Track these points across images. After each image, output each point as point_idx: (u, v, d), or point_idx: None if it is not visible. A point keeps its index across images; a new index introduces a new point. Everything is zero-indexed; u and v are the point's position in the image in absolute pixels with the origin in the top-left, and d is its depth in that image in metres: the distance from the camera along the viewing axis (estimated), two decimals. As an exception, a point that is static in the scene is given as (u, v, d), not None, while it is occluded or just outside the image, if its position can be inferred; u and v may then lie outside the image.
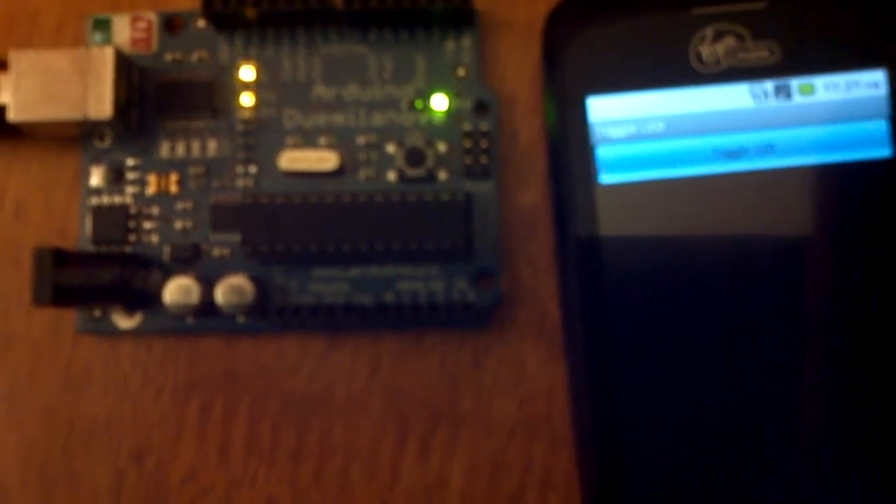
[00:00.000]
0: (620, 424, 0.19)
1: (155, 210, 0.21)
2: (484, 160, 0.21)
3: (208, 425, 0.21)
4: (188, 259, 0.21)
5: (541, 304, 0.21)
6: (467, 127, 0.21)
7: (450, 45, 0.21)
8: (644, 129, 0.20)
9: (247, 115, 0.21)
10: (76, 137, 0.22)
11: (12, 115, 0.20)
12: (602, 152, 0.20)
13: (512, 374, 0.21)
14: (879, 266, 0.19)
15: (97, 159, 0.22)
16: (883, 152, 0.19)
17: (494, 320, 0.21)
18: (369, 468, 0.21)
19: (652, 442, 0.19)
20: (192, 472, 0.21)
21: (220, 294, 0.20)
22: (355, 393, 0.21)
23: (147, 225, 0.21)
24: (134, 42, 0.22)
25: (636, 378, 0.19)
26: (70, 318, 0.21)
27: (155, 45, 0.22)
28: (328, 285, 0.21)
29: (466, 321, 0.21)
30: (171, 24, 0.22)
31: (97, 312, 0.21)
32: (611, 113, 0.20)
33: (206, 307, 0.20)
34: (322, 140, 0.21)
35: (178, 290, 0.20)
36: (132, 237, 0.21)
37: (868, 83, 0.19)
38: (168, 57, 0.22)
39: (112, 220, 0.21)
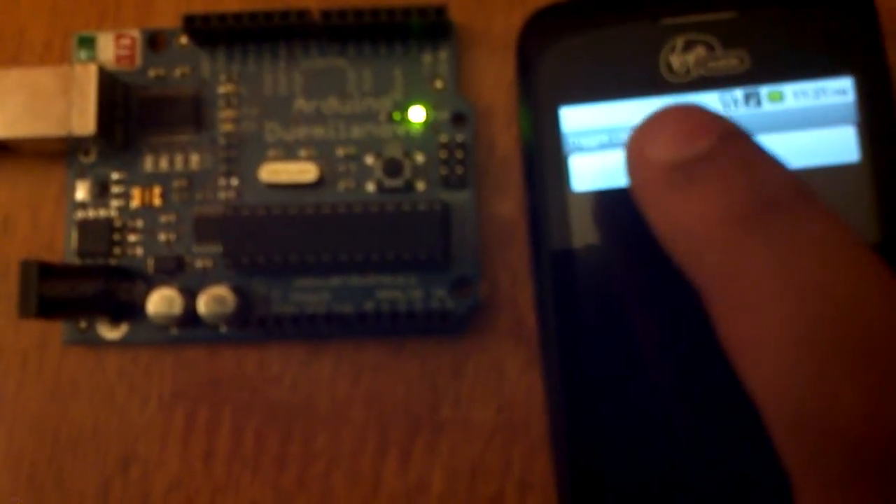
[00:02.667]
0: (594, 429, 0.20)
1: (139, 223, 0.22)
2: (460, 170, 0.21)
3: (193, 433, 0.22)
4: (172, 271, 0.21)
5: (519, 311, 0.21)
6: (444, 138, 0.21)
7: (427, 58, 0.22)
8: (616, 138, 0.20)
9: (228, 128, 0.22)
10: (62, 153, 0.22)
11: (-2, 132, 0.21)
12: (575, 161, 0.20)
13: (491, 381, 0.21)
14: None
15: (82, 174, 0.22)
16: (851, 157, 0.19)
17: (473, 327, 0.21)
18: (351, 474, 0.21)
19: (625, 445, 0.19)
20: (178, 480, 0.21)
21: (203, 304, 0.21)
22: (337, 400, 0.21)
23: (132, 238, 0.22)
24: (118, 59, 0.22)
25: (609, 382, 0.20)
26: (57, 329, 0.22)
27: (139, 61, 0.22)
28: (309, 295, 0.21)
29: (445, 329, 0.21)
30: (155, 41, 0.22)
31: (83, 324, 0.22)
32: (583, 123, 0.20)
33: (189, 317, 0.21)
34: (302, 152, 0.22)
35: (161, 300, 0.21)
36: (117, 250, 0.22)
37: (836, 90, 0.20)
38: (151, 73, 0.22)
39: (97, 234, 0.22)
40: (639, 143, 0.16)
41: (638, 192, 0.16)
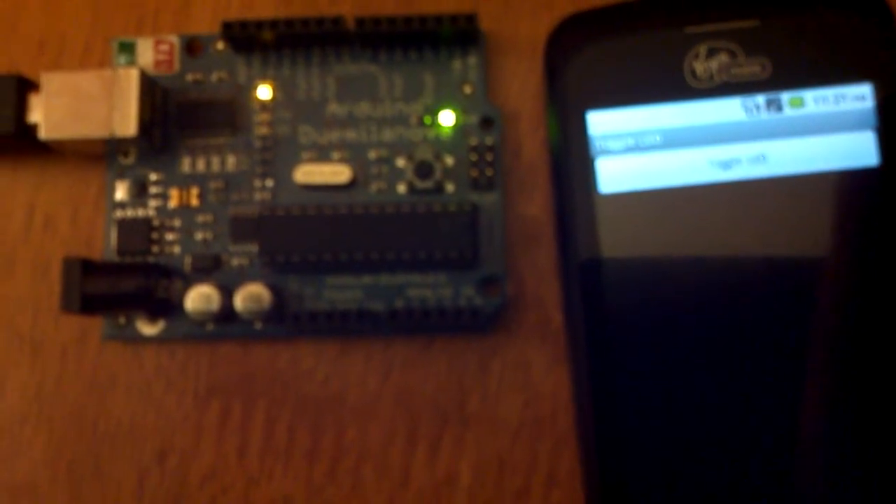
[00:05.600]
0: (621, 425, 0.20)
1: (177, 222, 0.22)
2: (489, 172, 0.22)
3: (227, 427, 0.22)
4: (209, 269, 0.22)
5: (545, 310, 0.22)
6: (473, 141, 0.22)
7: (456, 64, 0.23)
8: (642, 142, 0.21)
9: (264, 131, 0.23)
10: (102, 154, 0.23)
11: (43, 134, 0.21)
12: (602, 164, 0.21)
13: (517, 377, 0.22)
14: (867, 269, 0.20)
15: (122, 174, 0.23)
16: (870, 161, 0.20)
17: (500, 325, 0.22)
18: (381, 467, 0.22)
19: (652, 441, 0.20)
20: (212, 472, 0.22)
21: (239, 301, 0.21)
22: (367, 395, 0.22)
23: (169, 236, 0.22)
24: (157, 63, 0.23)
25: (636, 379, 0.20)
26: (96, 325, 0.22)
27: (177, 66, 0.23)
28: (341, 293, 0.22)
29: (473, 326, 0.22)
30: (192, 47, 0.23)
31: (122, 320, 0.22)
32: (610, 126, 0.21)
33: (226, 314, 0.21)
34: (335, 155, 0.22)
35: (199, 297, 0.21)
36: (155, 248, 0.22)
37: (855, 96, 0.20)
38: (189, 77, 0.23)
39: (136, 232, 0.22)
40: None
41: None
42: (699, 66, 0.21)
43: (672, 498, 0.20)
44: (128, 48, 0.23)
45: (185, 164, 0.23)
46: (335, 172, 0.22)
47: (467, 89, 0.22)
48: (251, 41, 0.22)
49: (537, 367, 0.22)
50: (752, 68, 0.21)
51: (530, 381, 0.22)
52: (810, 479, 0.20)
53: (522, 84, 0.23)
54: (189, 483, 0.22)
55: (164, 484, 0.22)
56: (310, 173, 0.22)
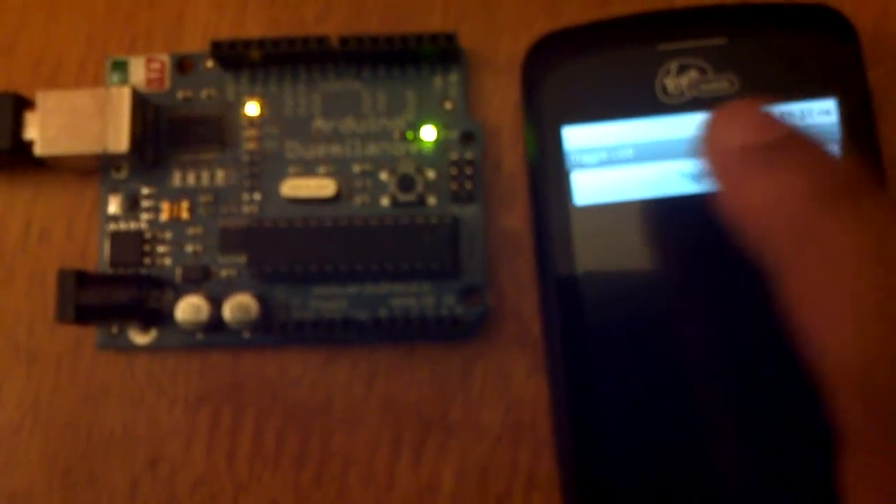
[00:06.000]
0: (597, 434, 0.21)
1: (168, 235, 0.23)
2: (469, 186, 0.23)
3: (217, 434, 0.23)
4: (198, 280, 0.23)
5: (524, 319, 0.23)
6: (454, 156, 0.23)
7: (438, 80, 0.23)
8: (615, 156, 0.21)
9: (252, 147, 0.23)
10: (95, 169, 0.24)
11: (39, 150, 0.22)
12: (576, 177, 0.21)
13: (498, 384, 0.23)
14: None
15: (114, 189, 0.23)
16: (835, 174, 0.21)
17: (481, 334, 0.23)
18: (366, 472, 0.22)
19: (627, 447, 0.21)
20: (202, 478, 0.23)
21: (228, 311, 0.22)
22: (353, 402, 0.23)
23: (161, 249, 0.23)
24: (149, 81, 0.24)
25: (612, 387, 0.21)
26: (90, 334, 0.23)
27: (168, 83, 0.24)
28: (327, 302, 0.23)
29: (455, 334, 0.22)
30: (183, 65, 0.24)
31: (115, 329, 0.23)
32: (584, 141, 0.21)
33: (215, 323, 0.22)
34: (321, 169, 0.23)
35: (188, 308, 0.22)
36: (147, 260, 0.23)
37: (820, 111, 0.21)
38: (180, 95, 0.24)
39: (128, 245, 0.23)
40: (716, 130, 0.17)
41: (715, 174, 0.17)
42: (670, 83, 0.21)
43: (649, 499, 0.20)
44: (121, 67, 0.24)
45: (176, 179, 0.23)
46: (321, 186, 0.23)
47: (448, 105, 0.23)
48: (239, 59, 0.23)
49: (517, 374, 0.23)
50: (721, 84, 0.21)
51: (511, 389, 0.23)
52: (783, 485, 0.20)
53: (503, 100, 0.24)
54: (180, 489, 0.23)
55: (155, 490, 0.23)
56: (296, 187, 0.23)
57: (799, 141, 0.16)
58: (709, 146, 0.17)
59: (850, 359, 0.14)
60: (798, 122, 0.21)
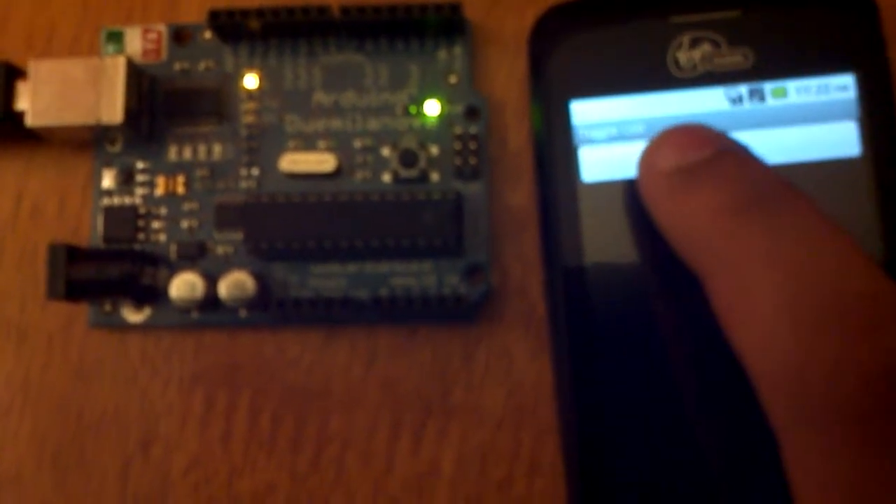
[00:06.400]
0: (602, 417, 0.20)
1: (163, 210, 0.23)
2: (473, 161, 0.22)
3: (212, 415, 0.22)
4: (194, 256, 0.22)
5: (529, 299, 0.22)
6: (458, 130, 0.22)
7: (442, 53, 0.23)
8: (625, 131, 0.21)
9: (250, 120, 0.23)
10: (89, 142, 0.23)
11: (30, 121, 0.21)
12: (584, 153, 0.21)
13: (501, 366, 0.22)
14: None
15: (109, 163, 0.23)
16: (852, 151, 0.20)
17: (484, 314, 0.22)
18: (364, 456, 0.22)
19: (632, 430, 0.20)
20: (196, 460, 0.22)
21: (224, 288, 0.21)
22: (352, 384, 0.22)
23: (155, 224, 0.22)
24: (145, 52, 0.23)
25: (617, 369, 0.20)
26: (82, 312, 0.23)
27: (164, 55, 0.23)
28: (326, 281, 0.22)
29: (457, 315, 0.22)
30: (180, 36, 0.23)
31: (108, 307, 0.22)
32: (593, 116, 0.21)
33: (210, 301, 0.22)
34: (321, 144, 0.22)
35: (183, 284, 0.21)
36: (141, 236, 0.22)
37: (838, 86, 0.20)
38: (177, 66, 0.23)
39: (122, 220, 0.23)
40: (649, 156, 0.18)
41: (647, 198, 0.18)
42: (682, 56, 0.21)
43: (652, 489, 0.20)
44: (116, 37, 0.23)
45: (172, 153, 0.23)
46: (320, 161, 0.22)
47: (453, 79, 0.23)
48: (238, 30, 0.22)
49: (521, 357, 0.22)
50: (735, 58, 0.21)
51: (514, 371, 0.22)
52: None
53: (509, 74, 0.23)
54: (173, 471, 0.22)
55: (148, 472, 0.22)
56: (295, 162, 0.22)
57: (719, 159, 0.17)
58: (643, 172, 0.18)
59: (769, 356, 0.15)
60: (815, 97, 0.20)
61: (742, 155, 0.17)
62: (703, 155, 0.17)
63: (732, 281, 0.16)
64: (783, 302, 0.15)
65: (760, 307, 0.15)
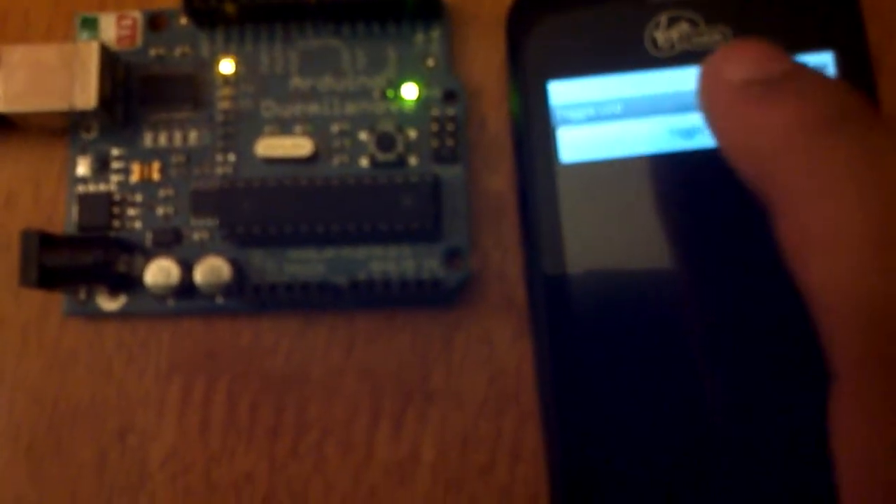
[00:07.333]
0: (583, 401, 0.20)
1: (138, 197, 0.22)
2: (451, 143, 0.22)
3: (189, 404, 0.22)
4: (169, 243, 0.22)
5: (508, 284, 0.22)
6: (435, 112, 0.22)
7: (419, 37, 0.22)
8: (602, 111, 0.20)
9: (226, 106, 0.22)
10: (64, 129, 0.23)
11: (2, 107, 0.21)
12: (563, 133, 0.20)
13: (481, 351, 0.22)
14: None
15: (84, 150, 0.23)
16: (831, 129, 0.20)
17: (464, 299, 0.22)
18: (344, 443, 0.22)
19: (613, 416, 0.20)
20: (174, 450, 0.22)
21: (199, 274, 0.21)
22: (330, 371, 0.22)
23: (131, 211, 0.22)
24: (119, 39, 0.23)
25: (597, 355, 0.20)
26: (57, 301, 0.22)
27: (139, 41, 0.23)
28: (303, 266, 0.22)
29: (437, 299, 0.22)
30: (155, 22, 0.23)
31: (83, 295, 0.22)
32: (571, 96, 0.21)
33: (186, 288, 0.21)
34: (298, 128, 0.22)
35: (158, 271, 0.21)
36: (116, 223, 0.22)
37: (816, 64, 0.20)
38: (152, 52, 0.23)
39: (97, 207, 0.22)
40: (713, 66, 0.17)
41: (710, 112, 0.17)
42: (660, 36, 0.21)
43: (633, 475, 0.20)
44: (90, 23, 0.23)
45: (147, 139, 0.23)
46: (296, 145, 0.22)
47: (430, 63, 0.22)
48: (213, 15, 0.22)
49: (501, 341, 0.22)
50: (713, 37, 0.21)
51: (494, 356, 0.22)
52: (774, 457, 0.19)
53: (487, 58, 0.23)
54: (150, 461, 0.22)
55: (124, 462, 0.22)
56: (271, 147, 0.22)
57: (799, 73, 0.16)
58: (707, 84, 0.17)
59: (851, 288, 0.14)
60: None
61: (818, 73, 0.16)
62: (781, 67, 0.16)
63: (813, 204, 0.15)
64: (875, 228, 0.14)
65: (846, 232, 0.14)
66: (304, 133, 0.22)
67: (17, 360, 0.22)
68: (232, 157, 0.22)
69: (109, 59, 0.22)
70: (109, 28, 0.23)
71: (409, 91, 0.22)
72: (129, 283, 0.22)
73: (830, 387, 0.15)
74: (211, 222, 0.22)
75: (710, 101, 0.17)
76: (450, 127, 0.22)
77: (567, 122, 0.20)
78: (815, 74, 0.16)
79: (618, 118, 0.20)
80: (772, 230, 0.15)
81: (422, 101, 0.22)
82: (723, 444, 0.19)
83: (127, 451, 0.22)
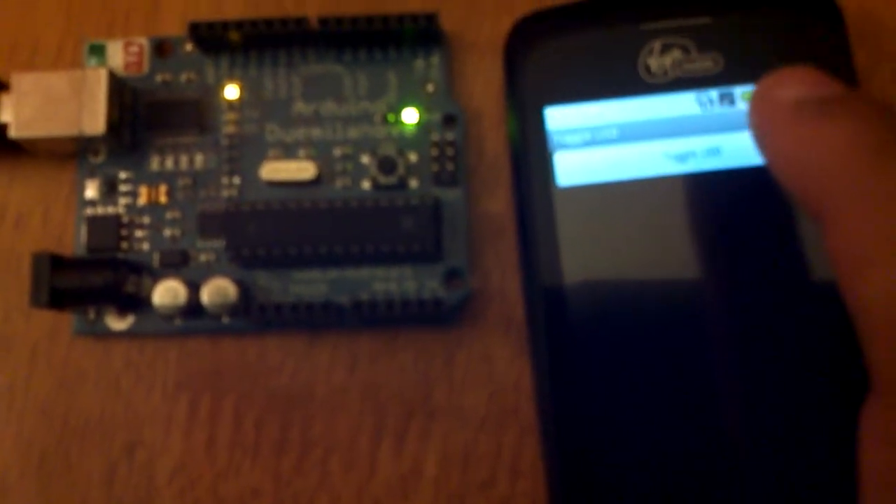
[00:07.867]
0: (581, 417, 0.20)
1: (146, 219, 0.23)
2: (451, 167, 0.22)
3: (196, 421, 0.22)
4: (177, 264, 0.23)
5: (508, 303, 0.22)
6: (435, 137, 0.23)
7: (419, 63, 0.23)
8: (598, 136, 0.21)
9: (231, 130, 0.23)
10: (73, 153, 0.23)
11: (13, 133, 0.22)
12: (559, 157, 0.21)
13: (482, 369, 0.22)
14: (821, 260, 0.20)
15: (92, 173, 0.23)
16: (820, 153, 0.21)
17: (465, 318, 0.22)
18: (348, 459, 0.22)
19: (612, 431, 0.20)
20: (181, 465, 0.22)
21: (206, 295, 0.22)
22: (334, 388, 0.22)
23: (138, 233, 0.23)
24: (127, 65, 0.23)
25: (596, 371, 0.20)
26: (66, 321, 0.23)
27: (146, 67, 0.23)
28: (307, 287, 0.22)
29: (438, 319, 0.22)
30: (161, 49, 0.24)
31: (92, 315, 0.23)
32: (567, 121, 0.21)
33: (193, 308, 0.22)
34: (301, 152, 0.23)
35: (166, 292, 0.22)
36: (124, 245, 0.23)
37: (805, 89, 0.21)
38: (158, 78, 0.23)
39: (106, 230, 0.23)
40: (768, 87, 0.17)
41: (763, 130, 0.17)
42: (653, 62, 0.21)
43: (632, 491, 0.20)
44: (98, 50, 0.24)
45: (154, 163, 0.23)
46: (301, 169, 0.23)
47: (430, 88, 0.23)
48: (218, 42, 0.23)
49: (501, 359, 0.22)
50: (705, 63, 0.21)
51: (494, 373, 0.22)
52: (771, 479, 0.20)
53: (486, 83, 0.23)
54: (157, 477, 0.22)
55: (132, 477, 0.22)
56: (276, 170, 0.23)
57: (852, 96, 0.16)
58: (759, 105, 0.17)
59: (894, 301, 0.14)
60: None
61: (869, 97, 0.17)
62: (834, 90, 0.17)
63: (867, 219, 0.15)
64: None
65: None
66: (308, 157, 0.23)
67: (28, 378, 0.23)
68: (237, 181, 0.23)
69: (117, 86, 0.22)
70: (117, 55, 0.24)
71: (410, 116, 0.23)
72: (137, 303, 0.22)
73: (866, 398, 0.15)
74: (217, 244, 0.23)
75: (761, 120, 0.17)
76: (449, 151, 0.22)
77: (564, 146, 0.21)
78: (867, 98, 0.17)
79: (613, 143, 0.21)
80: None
81: (422, 126, 0.23)
82: (721, 458, 0.20)
83: (135, 466, 0.22)
